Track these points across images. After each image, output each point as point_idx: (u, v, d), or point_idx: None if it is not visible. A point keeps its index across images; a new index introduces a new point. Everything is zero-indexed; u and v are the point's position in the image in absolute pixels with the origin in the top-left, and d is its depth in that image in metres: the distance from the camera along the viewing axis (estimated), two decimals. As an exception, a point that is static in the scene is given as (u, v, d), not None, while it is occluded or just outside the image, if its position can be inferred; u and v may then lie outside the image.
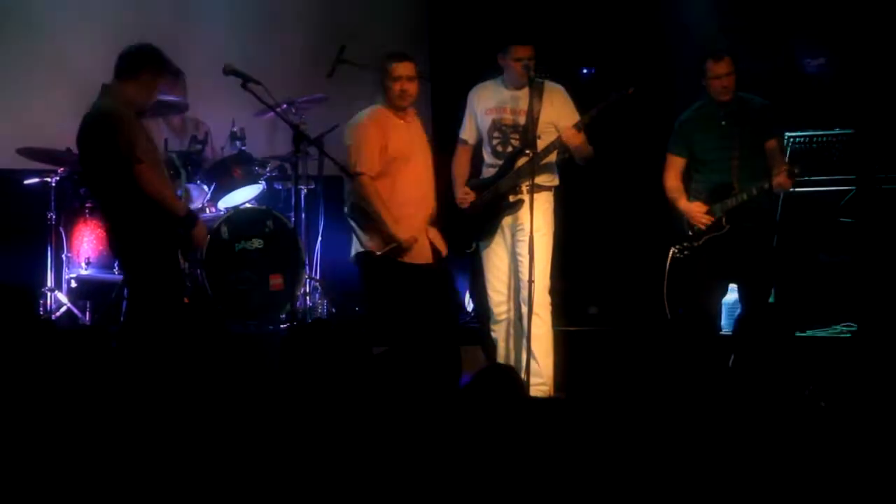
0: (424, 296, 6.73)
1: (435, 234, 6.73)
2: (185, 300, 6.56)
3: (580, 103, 6.89)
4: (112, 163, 6.16)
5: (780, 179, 6.78)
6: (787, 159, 6.93)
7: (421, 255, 6.62)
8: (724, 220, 6.92)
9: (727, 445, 3.64)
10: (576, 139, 6.68)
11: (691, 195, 7.05)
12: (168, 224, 6.21)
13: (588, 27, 8.72)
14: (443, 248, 6.71)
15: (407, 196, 6.60)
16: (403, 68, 6.57)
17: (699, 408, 3.94)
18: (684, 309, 7.01)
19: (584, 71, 7.30)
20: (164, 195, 6.20)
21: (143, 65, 6.30)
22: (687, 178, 7.13)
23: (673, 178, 7.11)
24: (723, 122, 6.96)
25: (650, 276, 7.54)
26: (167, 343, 3.66)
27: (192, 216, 6.39)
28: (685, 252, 7.03)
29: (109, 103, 6.26)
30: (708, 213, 6.94)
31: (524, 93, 6.79)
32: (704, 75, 6.94)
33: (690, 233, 7.01)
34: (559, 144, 6.71)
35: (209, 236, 7.43)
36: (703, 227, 6.95)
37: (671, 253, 7.07)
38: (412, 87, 6.58)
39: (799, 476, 3.66)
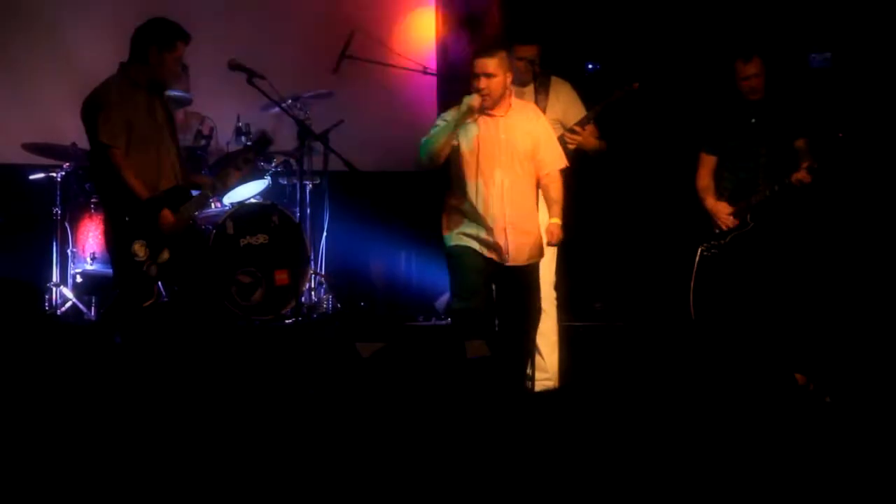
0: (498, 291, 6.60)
1: (517, 239, 6.34)
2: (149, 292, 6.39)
3: (586, 99, 6.88)
4: (90, 142, 6.29)
5: (799, 175, 6.81)
6: (814, 158, 6.91)
7: (492, 250, 6.33)
8: (748, 217, 6.94)
9: (729, 441, 3.64)
10: (577, 139, 6.66)
11: (719, 193, 7.08)
12: (131, 208, 6.21)
13: (594, 22, 8.70)
14: (510, 253, 6.32)
15: (478, 192, 6.30)
16: (479, 65, 6.22)
17: (707, 405, 3.93)
18: (712, 308, 7.00)
19: (590, 66, 7.28)
20: (126, 179, 6.16)
21: (148, 42, 6.29)
22: (720, 176, 7.16)
23: (705, 177, 7.15)
24: (752, 121, 7.01)
25: (657, 271, 7.54)
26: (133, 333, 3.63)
27: (153, 202, 6.22)
28: (713, 251, 7.06)
29: (104, 83, 6.34)
30: (733, 213, 6.98)
31: (530, 90, 6.76)
32: (734, 75, 6.98)
33: (717, 230, 7.04)
34: (562, 142, 6.69)
35: (215, 230, 7.42)
36: (726, 227, 6.99)
37: (699, 252, 7.09)
38: (489, 84, 6.17)
39: (801, 473, 3.66)
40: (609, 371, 6.97)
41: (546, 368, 6.73)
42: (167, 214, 6.23)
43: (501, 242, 6.28)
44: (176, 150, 6.49)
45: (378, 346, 4.59)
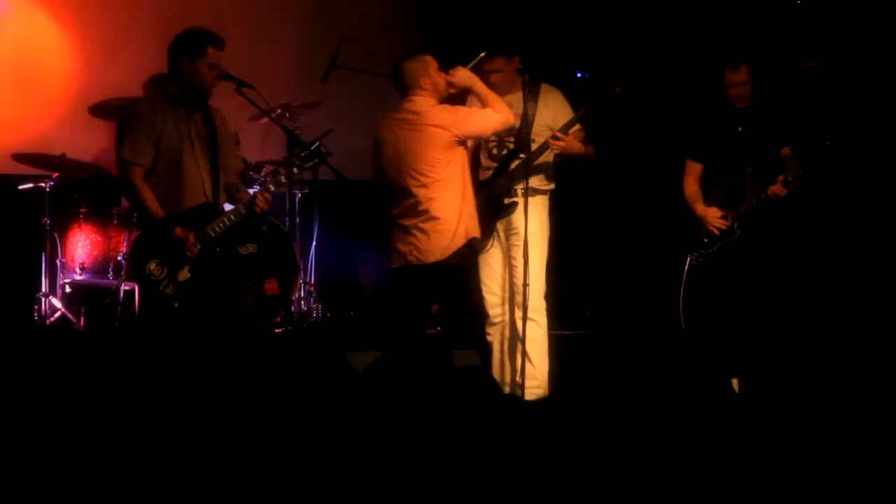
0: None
1: None
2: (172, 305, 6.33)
3: (576, 106, 6.89)
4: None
5: (775, 188, 6.83)
6: (799, 166, 6.93)
7: None
8: (735, 225, 6.97)
9: (721, 450, 3.64)
10: (560, 144, 6.67)
11: (708, 201, 7.11)
12: (146, 227, 6.19)
13: (583, 30, 8.72)
14: None
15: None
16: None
17: (697, 413, 3.94)
18: (700, 316, 7.02)
19: (579, 74, 7.30)
20: (141, 196, 6.10)
21: (179, 54, 6.20)
22: (708, 184, 7.18)
23: (691, 184, 7.18)
24: (739, 129, 7.03)
25: (646, 279, 7.55)
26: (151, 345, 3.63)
27: (168, 220, 6.12)
28: (701, 259, 7.08)
29: (135, 100, 6.40)
30: (723, 217, 7.00)
31: (519, 96, 6.77)
32: (721, 83, 7.00)
33: (706, 240, 7.06)
34: (547, 148, 6.71)
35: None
36: (717, 231, 7.00)
37: (688, 261, 7.11)
38: None
39: (795, 480, 3.66)
40: (599, 379, 6.97)
41: (536, 376, 6.73)
42: (184, 233, 6.12)
43: None
44: (212, 166, 6.32)
45: (368, 356, 4.59)
